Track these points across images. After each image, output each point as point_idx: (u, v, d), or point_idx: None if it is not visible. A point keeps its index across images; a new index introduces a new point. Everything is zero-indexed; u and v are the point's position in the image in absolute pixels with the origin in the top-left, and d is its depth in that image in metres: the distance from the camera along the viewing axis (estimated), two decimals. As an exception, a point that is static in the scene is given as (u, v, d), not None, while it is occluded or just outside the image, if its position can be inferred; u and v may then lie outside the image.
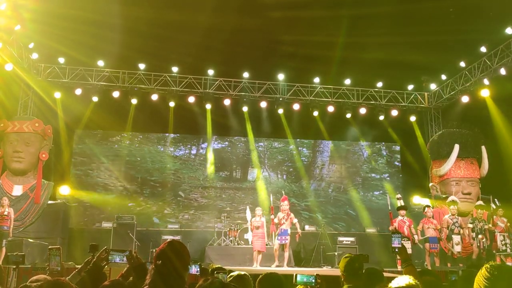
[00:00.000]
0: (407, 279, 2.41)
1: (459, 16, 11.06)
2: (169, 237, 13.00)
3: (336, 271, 3.98)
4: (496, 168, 13.33)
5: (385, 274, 5.71)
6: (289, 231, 11.49)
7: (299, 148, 16.99)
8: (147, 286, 2.62)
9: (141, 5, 10.97)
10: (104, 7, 10.59)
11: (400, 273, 4.59)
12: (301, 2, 11.33)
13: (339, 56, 12.73)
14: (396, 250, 4.03)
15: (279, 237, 11.46)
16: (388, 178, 17.03)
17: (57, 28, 11.06)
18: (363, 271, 3.76)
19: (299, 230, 11.79)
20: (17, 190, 12.53)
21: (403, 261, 3.84)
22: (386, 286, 2.54)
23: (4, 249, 10.29)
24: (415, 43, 11.81)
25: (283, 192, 13.99)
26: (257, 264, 11.42)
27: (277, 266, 11.32)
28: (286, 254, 11.57)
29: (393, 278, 2.52)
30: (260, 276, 3.41)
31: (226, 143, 16.81)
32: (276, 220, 11.59)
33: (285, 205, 11.79)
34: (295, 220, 11.74)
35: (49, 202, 12.84)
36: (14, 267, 5.27)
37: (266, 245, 11.84)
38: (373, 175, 17.11)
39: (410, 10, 10.84)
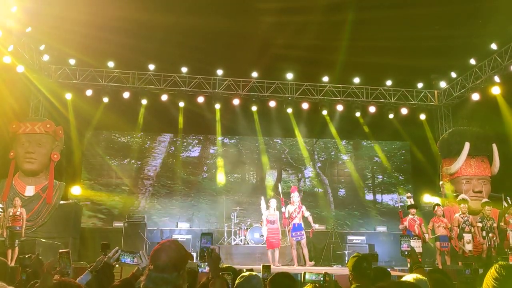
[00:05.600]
0: (415, 275, 2.47)
1: (469, 15, 10.99)
2: (179, 237, 13.13)
3: (346, 270, 3.99)
4: (507, 166, 13.19)
5: (395, 273, 5.72)
6: (303, 225, 10.63)
7: (308, 147, 16.96)
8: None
9: (149, 10, 11.05)
10: (111, 12, 10.65)
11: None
12: (309, 7, 11.40)
13: (348, 57, 12.73)
14: (406, 253, 4.08)
15: (293, 233, 10.53)
16: (398, 177, 16.95)
17: (66, 32, 11.18)
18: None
19: (313, 225, 10.90)
20: (29, 191, 12.65)
21: (412, 263, 3.87)
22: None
23: (16, 249, 10.43)
24: (424, 42, 11.80)
25: (291, 184, 13.68)
26: (275, 263, 10.53)
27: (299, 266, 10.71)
28: (306, 251, 10.65)
29: (402, 276, 2.56)
30: (272, 276, 3.41)
31: (235, 142, 16.84)
32: (286, 214, 10.72)
33: (295, 196, 10.84)
34: (307, 214, 10.81)
35: (61, 202, 12.94)
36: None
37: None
38: (382, 173, 17.03)
39: (419, 13, 10.90)
